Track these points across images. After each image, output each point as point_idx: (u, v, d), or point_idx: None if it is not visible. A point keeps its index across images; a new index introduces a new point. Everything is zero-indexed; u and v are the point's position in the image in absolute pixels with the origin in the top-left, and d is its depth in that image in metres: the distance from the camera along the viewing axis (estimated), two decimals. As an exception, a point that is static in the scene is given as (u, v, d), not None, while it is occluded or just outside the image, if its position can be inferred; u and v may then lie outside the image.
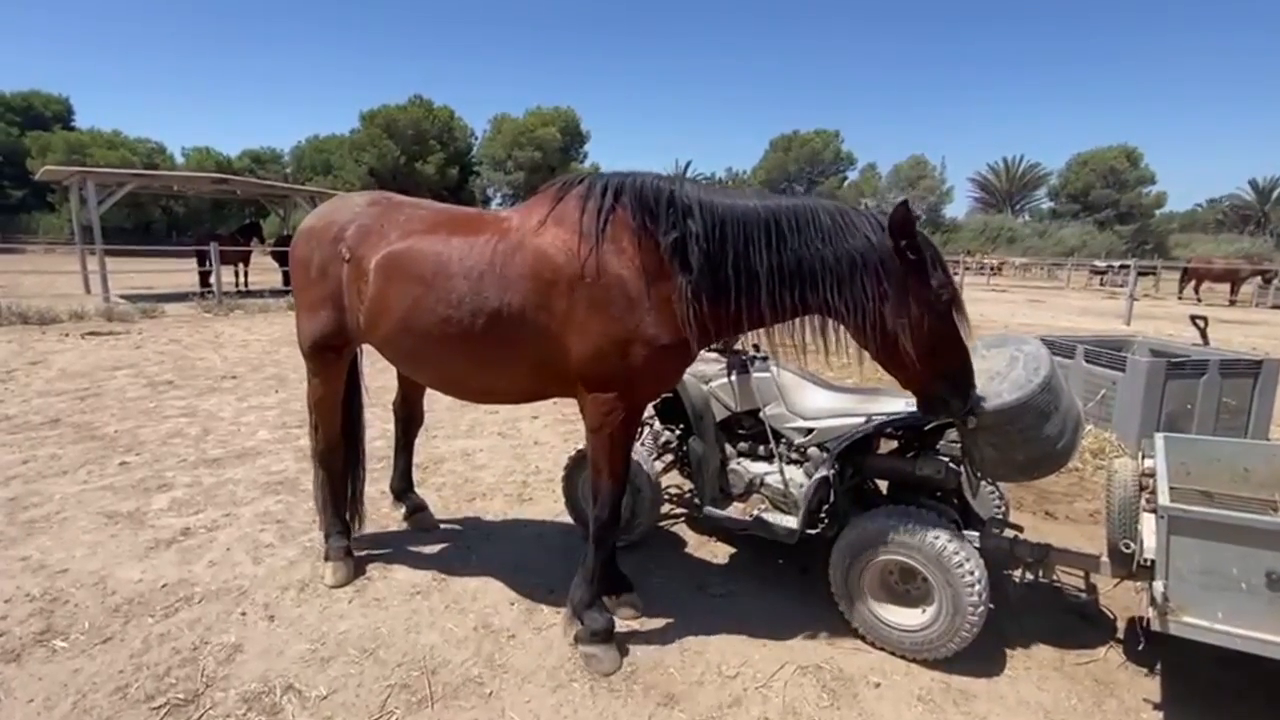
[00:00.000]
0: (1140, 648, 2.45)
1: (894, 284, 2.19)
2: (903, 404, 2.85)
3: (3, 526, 3.54)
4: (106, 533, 3.51)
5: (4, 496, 3.92)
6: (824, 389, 3.15)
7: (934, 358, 2.28)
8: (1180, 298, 21.77)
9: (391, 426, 3.74)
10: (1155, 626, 2.15)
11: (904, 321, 2.20)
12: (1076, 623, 2.89)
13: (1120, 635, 2.81)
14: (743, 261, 2.28)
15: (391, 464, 3.77)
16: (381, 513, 3.79)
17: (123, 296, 13.33)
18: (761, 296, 2.29)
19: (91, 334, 9.83)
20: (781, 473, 3.05)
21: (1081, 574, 3.09)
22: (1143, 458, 2.88)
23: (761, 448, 3.23)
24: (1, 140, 40.27)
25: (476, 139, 47.33)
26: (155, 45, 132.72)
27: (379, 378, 3.41)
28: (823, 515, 2.90)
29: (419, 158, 41.58)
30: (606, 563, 2.74)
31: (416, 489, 3.83)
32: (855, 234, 2.23)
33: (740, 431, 3.33)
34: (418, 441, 3.79)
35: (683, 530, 3.73)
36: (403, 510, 3.72)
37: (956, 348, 2.31)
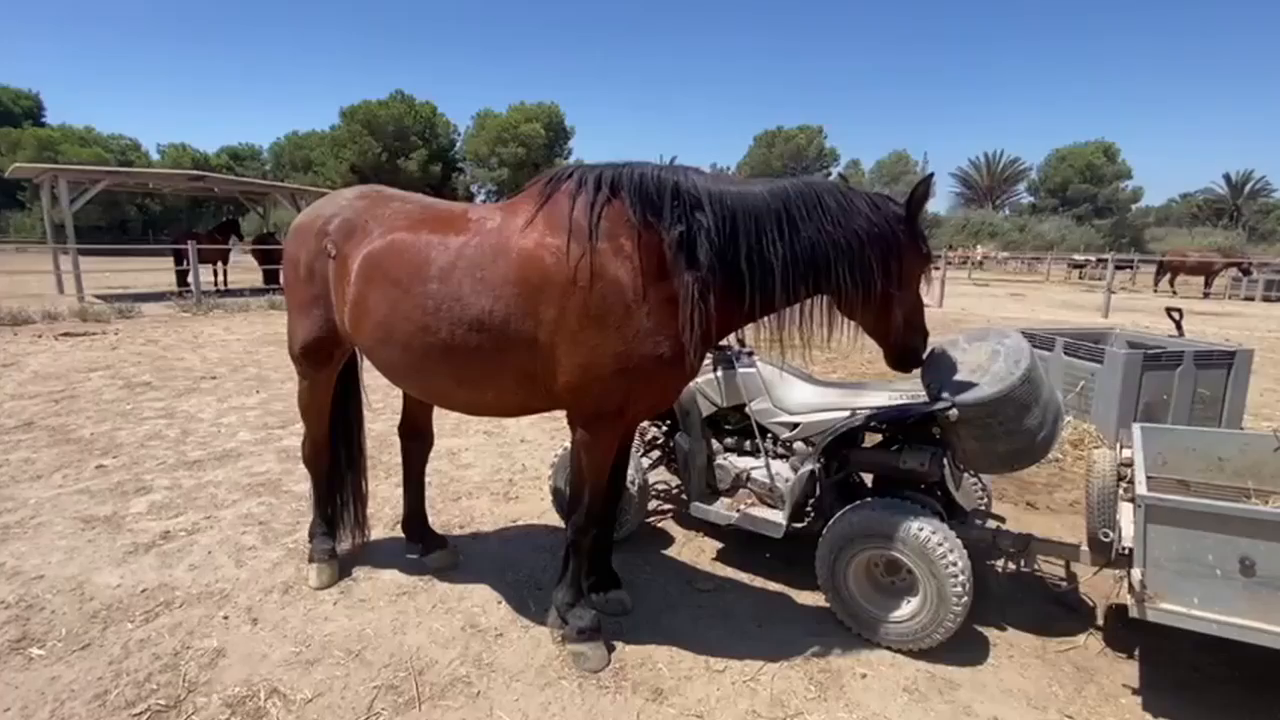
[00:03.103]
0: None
1: (895, 255, 2.25)
2: (886, 397, 2.88)
3: (-25, 533, 3.46)
4: (83, 537, 3.44)
5: (-24, 502, 3.83)
6: (809, 383, 3.17)
7: (912, 316, 2.46)
8: (1156, 290, 22.18)
9: (375, 425, 3.66)
10: (1133, 613, 2.19)
11: (902, 293, 2.33)
12: (1057, 611, 2.94)
13: (1100, 622, 2.86)
14: (756, 254, 2.19)
15: (401, 494, 3.37)
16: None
17: (98, 296, 13.07)
18: (775, 287, 2.21)
19: (66, 335, 9.62)
20: (768, 467, 3.06)
21: (1062, 563, 3.14)
22: (1121, 448, 2.93)
23: (748, 443, 3.24)
24: (-31, 137, 39.28)
25: (460, 135, 46.99)
26: (129, 39, 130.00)
27: (365, 376, 3.34)
28: (809, 509, 2.91)
29: (401, 154, 41.20)
30: (594, 561, 2.73)
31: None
32: (858, 212, 2.23)
33: (726, 427, 3.33)
34: (396, 439, 3.37)
35: (670, 526, 3.73)
36: (419, 549, 3.26)
37: (921, 304, 2.51)
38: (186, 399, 6.30)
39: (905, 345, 2.50)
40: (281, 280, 2.93)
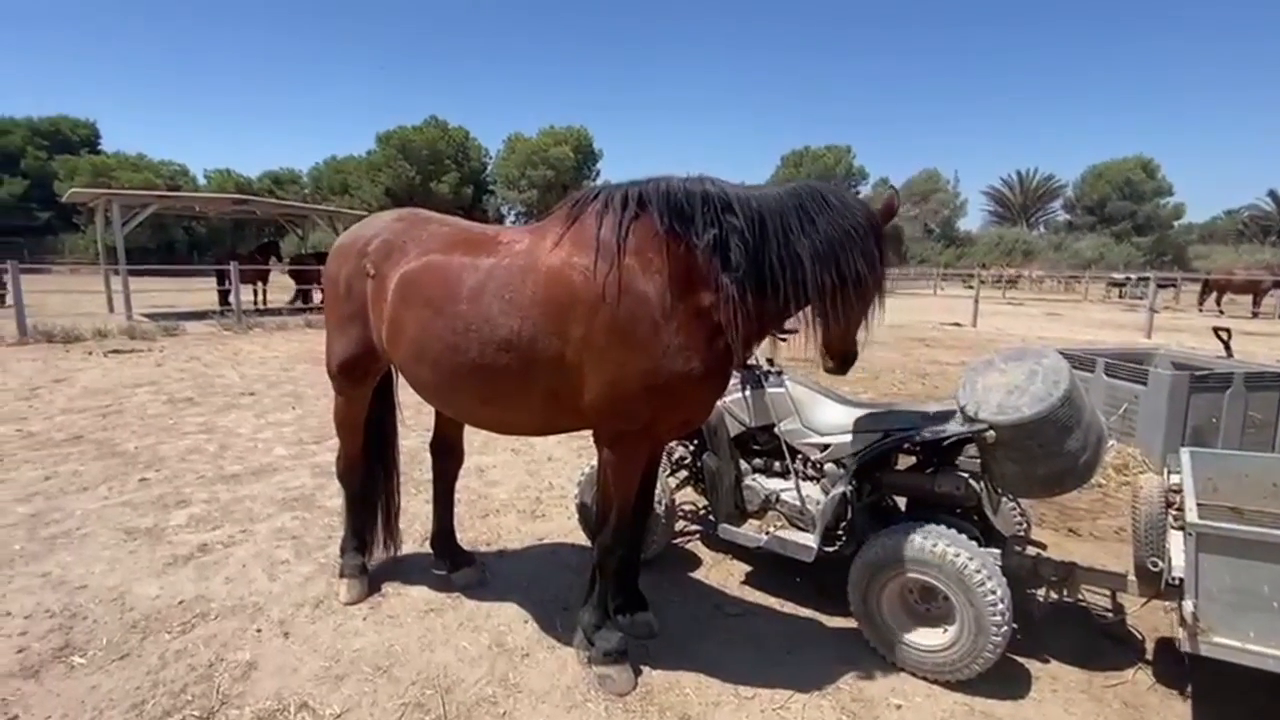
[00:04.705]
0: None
1: (882, 247, 2.26)
2: (920, 418, 2.82)
3: (24, 542, 3.59)
4: (125, 549, 3.54)
5: (26, 513, 3.97)
6: (840, 403, 3.12)
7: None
8: (1201, 309, 21.40)
9: (406, 441, 3.70)
10: (1185, 648, 2.09)
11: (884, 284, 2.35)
12: (1104, 644, 2.82)
13: (1149, 656, 2.73)
14: (784, 249, 2.21)
15: (430, 510, 3.42)
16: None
17: (145, 315, 13.58)
18: (807, 279, 2.21)
19: (114, 352, 10.01)
20: (798, 489, 3.02)
21: (1108, 593, 3.02)
22: (1168, 473, 2.82)
23: (777, 464, 3.20)
24: (30, 164, 41.64)
25: (491, 158, 48.02)
26: (180, 70, 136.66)
27: (402, 392, 3.39)
28: (840, 532, 2.86)
29: (434, 177, 42.25)
30: (621, 582, 2.71)
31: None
32: (852, 209, 2.24)
33: (755, 447, 3.30)
34: (426, 455, 3.49)
35: (698, 548, 3.69)
36: (447, 565, 3.29)
37: None
38: (226, 414, 6.49)
39: (853, 343, 2.43)
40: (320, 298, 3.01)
